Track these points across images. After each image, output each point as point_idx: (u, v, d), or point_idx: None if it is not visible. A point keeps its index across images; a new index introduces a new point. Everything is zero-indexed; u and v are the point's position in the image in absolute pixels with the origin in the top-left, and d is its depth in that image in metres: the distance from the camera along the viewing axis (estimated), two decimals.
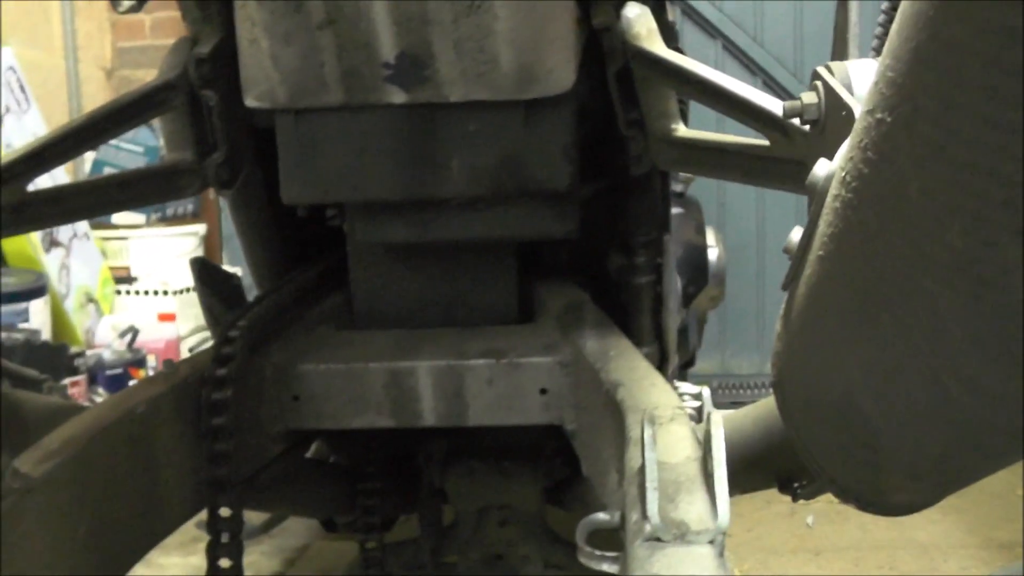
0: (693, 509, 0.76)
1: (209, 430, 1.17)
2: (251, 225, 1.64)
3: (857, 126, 0.67)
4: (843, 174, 0.70)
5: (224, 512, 1.19)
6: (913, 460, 0.81)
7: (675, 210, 1.89)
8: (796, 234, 0.91)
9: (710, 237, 2.21)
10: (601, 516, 0.87)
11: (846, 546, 2.74)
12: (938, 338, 0.63)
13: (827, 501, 3.05)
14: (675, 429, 0.90)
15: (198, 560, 1.19)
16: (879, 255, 0.64)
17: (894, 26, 0.58)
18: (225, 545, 1.20)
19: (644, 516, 0.78)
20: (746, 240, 4.16)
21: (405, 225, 1.48)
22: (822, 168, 0.83)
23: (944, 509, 2.88)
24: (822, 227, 0.77)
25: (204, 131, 1.48)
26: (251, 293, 1.69)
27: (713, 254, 2.19)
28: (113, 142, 3.93)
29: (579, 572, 1.97)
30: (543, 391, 1.29)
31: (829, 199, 0.76)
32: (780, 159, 1.14)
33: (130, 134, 3.97)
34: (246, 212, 1.61)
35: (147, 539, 1.15)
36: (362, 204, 1.50)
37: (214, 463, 1.17)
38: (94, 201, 1.39)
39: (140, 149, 4.01)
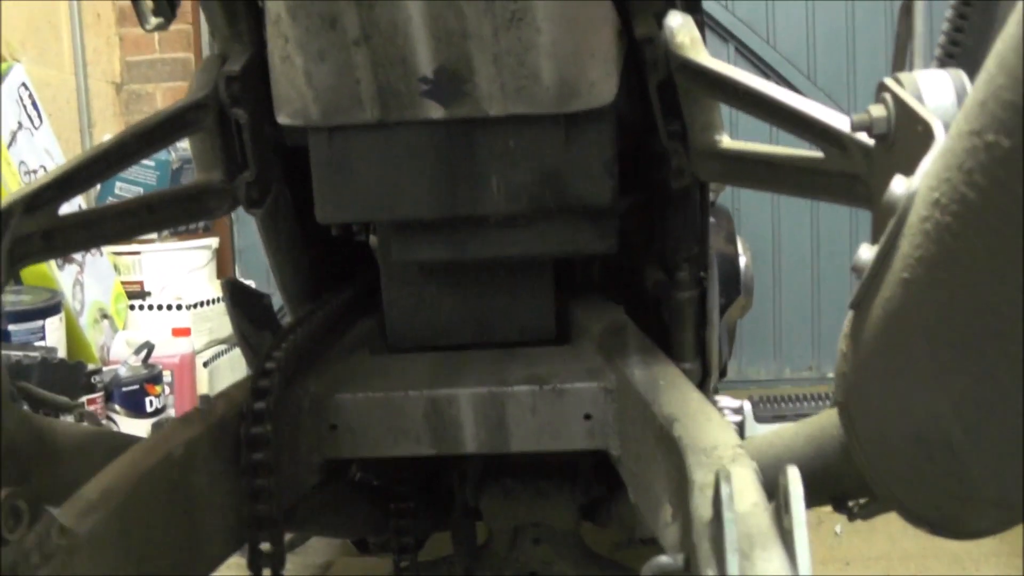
0: (771, 567, 0.73)
1: (249, 466, 1.14)
2: (280, 244, 1.61)
3: (954, 146, 0.64)
4: (936, 195, 0.67)
5: (265, 547, 1.16)
6: (1005, 491, 0.77)
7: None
8: (866, 252, 0.88)
9: (739, 246, 2.18)
10: (665, 560, 0.84)
11: (876, 556, 2.70)
12: None
13: None
14: (739, 473, 0.86)
15: None
16: (986, 285, 0.61)
17: (1007, 41, 0.55)
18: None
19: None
20: (762, 247, 4.14)
21: (442, 244, 1.46)
22: (900, 186, 0.79)
23: None
24: (906, 248, 0.74)
25: (233, 150, 1.45)
26: (279, 310, 1.67)
27: (742, 263, 2.16)
28: None
29: None
30: (587, 417, 1.25)
31: (915, 220, 0.72)
32: (834, 172, 1.10)
33: (136, 175, 3.96)
34: (275, 231, 1.58)
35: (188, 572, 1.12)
36: (397, 223, 1.47)
37: (255, 499, 1.15)
38: (124, 225, 1.36)
39: (152, 163, 3.98)
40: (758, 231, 4.17)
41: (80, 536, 0.90)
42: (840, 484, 1.24)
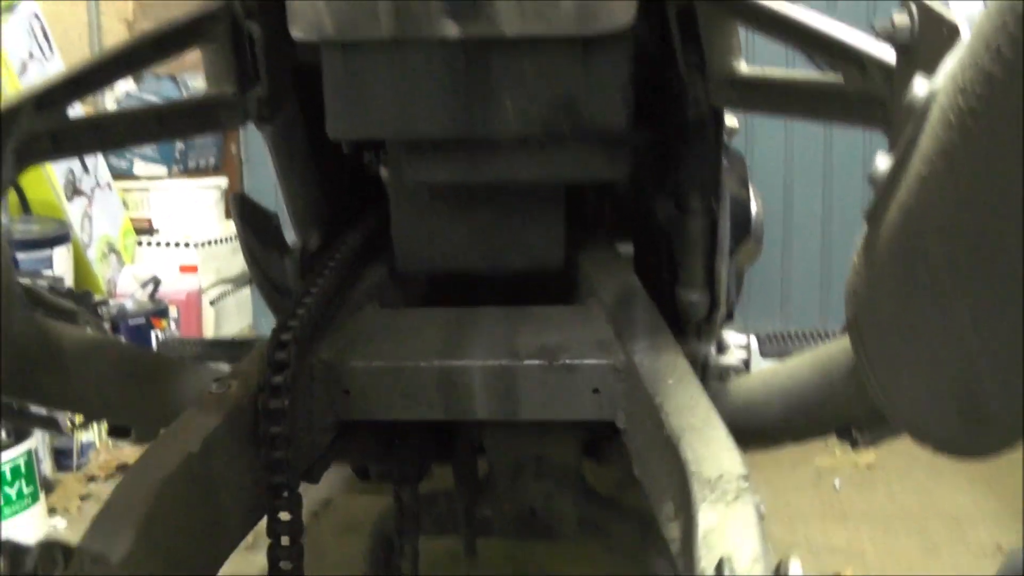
0: None
1: (267, 438, 1.13)
2: (291, 165, 1.60)
3: (981, 29, 0.62)
4: (960, 83, 0.65)
5: (284, 516, 1.16)
6: (1012, 400, 0.77)
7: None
8: (883, 161, 0.87)
9: (751, 191, 2.16)
10: None
11: (875, 512, 2.71)
12: None
13: (853, 466, 3.04)
14: (740, 512, 0.86)
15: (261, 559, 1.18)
16: (1009, 168, 0.60)
17: None
18: (286, 548, 1.17)
19: None
20: (772, 201, 4.10)
21: (453, 165, 1.44)
22: (921, 86, 0.78)
23: (971, 478, 2.87)
24: (926, 145, 0.73)
25: (246, 64, 1.44)
26: (287, 231, 1.66)
27: (753, 209, 2.14)
28: (134, 92, 3.90)
29: (614, 528, 1.95)
30: (596, 391, 1.25)
31: (936, 115, 0.71)
32: (852, 94, 1.09)
33: (153, 86, 3.94)
34: (286, 150, 1.57)
35: (214, 564, 1.12)
36: (409, 143, 1.45)
37: (272, 470, 1.14)
38: (133, 131, 1.35)
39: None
40: (770, 184, 4.12)
41: (112, 562, 0.89)
42: (846, 411, 1.24)
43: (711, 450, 0.96)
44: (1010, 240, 0.63)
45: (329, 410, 1.30)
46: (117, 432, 1.51)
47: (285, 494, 1.15)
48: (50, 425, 1.52)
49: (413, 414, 1.32)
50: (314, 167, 1.62)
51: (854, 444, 1.24)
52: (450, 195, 1.55)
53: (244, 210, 1.56)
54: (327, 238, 1.67)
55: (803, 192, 4.20)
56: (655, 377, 1.15)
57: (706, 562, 0.81)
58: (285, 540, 1.16)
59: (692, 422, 1.02)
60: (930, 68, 0.79)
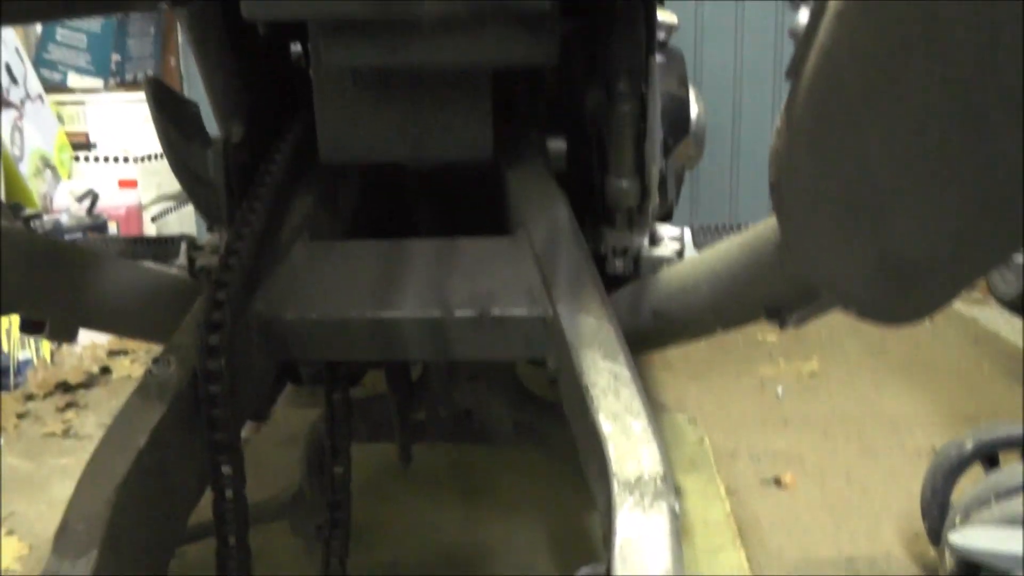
0: None
1: (206, 397, 1.13)
2: (208, 50, 1.54)
3: None
4: None
5: (226, 471, 1.16)
6: (928, 245, 0.74)
7: (657, 59, 1.80)
8: (804, 14, 0.84)
9: (692, 95, 2.12)
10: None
11: (815, 418, 2.74)
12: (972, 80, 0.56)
13: (796, 376, 3.06)
14: (655, 520, 0.91)
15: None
16: None
17: None
18: (231, 502, 1.18)
19: None
20: (722, 101, 4.06)
21: (373, 48, 1.38)
22: None
23: (911, 385, 2.91)
24: None
25: None
26: (208, 122, 1.60)
27: (694, 111, 2.11)
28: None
29: (551, 432, 1.94)
30: (526, 336, 1.28)
31: None
32: None
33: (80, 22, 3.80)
34: (202, 35, 1.50)
35: (174, 540, 1.14)
36: (327, 25, 1.39)
37: (213, 428, 1.14)
38: (35, 3, 1.28)
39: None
40: (719, 84, 4.07)
41: None
42: (774, 290, 1.21)
43: (631, 444, 1.00)
44: (921, 60, 0.61)
45: (267, 357, 1.32)
46: (30, 327, 1.46)
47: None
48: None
49: (350, 356, 1.36)
50: (233, 53, 1.56)
51: (783, 324, 1.22)
52: (373, 82, 1.49)
53: (160, 97, 1.49)
54: (251, 129, 1.61)
55: (752, 96, 4.16)
56: (580, 342, 1.17)
57: (618, 564, 0.88)
58: (229, 493, 1.18)
59: (615, 408, 1.05)
60: None
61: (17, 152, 3.42)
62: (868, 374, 3.04)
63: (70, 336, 1.48)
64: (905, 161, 0.68)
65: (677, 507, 0.94)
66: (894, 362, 3.13)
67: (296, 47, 1.82)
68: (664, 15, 2.03)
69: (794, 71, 0.84)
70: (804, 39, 0.80)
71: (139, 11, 1.36)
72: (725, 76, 4.11)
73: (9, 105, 3.42)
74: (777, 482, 2.34)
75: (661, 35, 2.04)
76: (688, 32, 3.97)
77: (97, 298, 1.47)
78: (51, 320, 1.45)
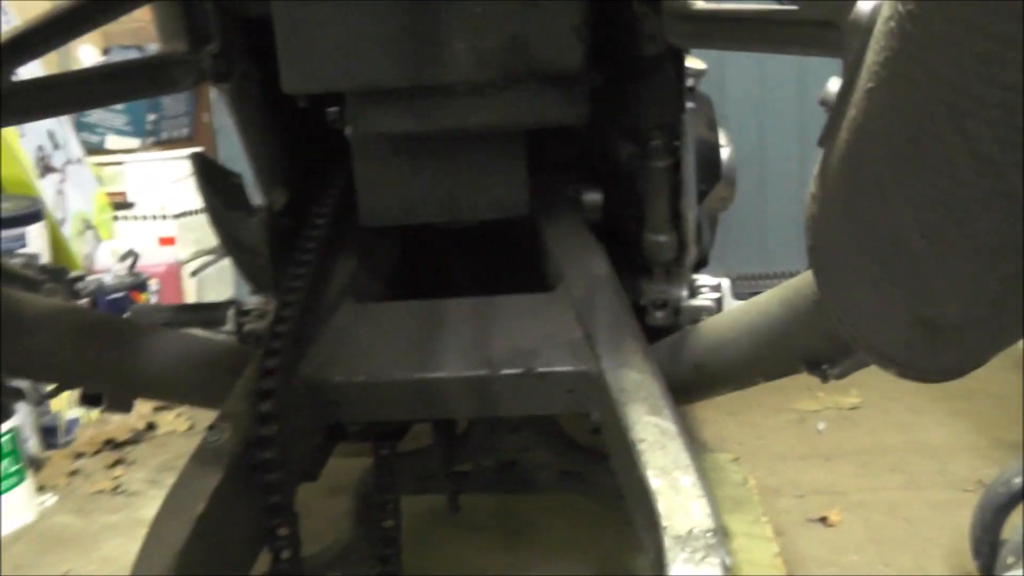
0: None
1: (261, 463, 1.17)
2: (250, 121, 1.58)
3: None
4: None
5: (283, 532, 1.20)
6: (965, 308, 0.76)
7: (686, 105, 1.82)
8: (834, 84, 0.86)
9: (722, 136, 2.14)
10: None
11: (856, 451, 2.72)
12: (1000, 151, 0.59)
13: (837, 409, 3.05)
14: (706, 574, 0.93)
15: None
16: (946, 64, 0.59)
17: None
18: (287, 561, 1.21)
19: None
20: (748, 147, 4.07)
21: (409, 114, 1.43)
22: (866, 4, 0.78)
23: (952, 413, 2.89)
24: (870, 59, 0.72)
25: (197, 21, 1.41)
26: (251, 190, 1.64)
27: (725, 153, 2.12)
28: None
29: (594, 478, 1.95)
30: (570, 391, 1.30)
31: (880, 26, 0.70)
32: (808, 22, 1.08)
33: (120, 58, 3.88)
34: (244, 107, 1.55)
35: None
36: (363, 93, 1.43)
37: (268, 492, 1.18)
38: (84, 92, 1.32)
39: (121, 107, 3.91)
40: (744, 132, 4.08)
41: None
42: (814, 344, 1.23)
43: (681, 499, 1.01)
44: (952, 134, 0.63)
45: (315, 419, 1.35)
46: (89, 400, 1.50)
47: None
48: (14, 395, 1.51)
49: (397, 417, 1.39)
50: (274, 124, 1.60)
51: (824, 378, 1.24)
52: (410, 145, 1.53)
53: (204, 169, 1.54)
54: (292, 195, 1.65)
55: (777, 136, 4.17)
56: (625, 397, 1.18)
57: None
58: (286, 554, 1.21)
59: (663, 463, 1.06)
60: None
61: (60, 215, 3.49)
62: (908, 404, 3.03)
63: (127, 407, 1.52)
64: (937, 230, 0.70)
65: (728, 560, 0.96)
66: (935, 391, 3.11)
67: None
68: (692, 61, 2.05)
69: (826, 140, 0.87)
70: (835, 111, 0.83)
71: (181, 92, 1.40)
72: (749, 111, 4.14)
73: (52, 170, 3.50)
74: (823, 520, 2.33)
75: (690, 81, 2.06)
76: (712, 70, 3.99)
77: (150, 370, 1.50)
78: (107, 393, 1.49)
